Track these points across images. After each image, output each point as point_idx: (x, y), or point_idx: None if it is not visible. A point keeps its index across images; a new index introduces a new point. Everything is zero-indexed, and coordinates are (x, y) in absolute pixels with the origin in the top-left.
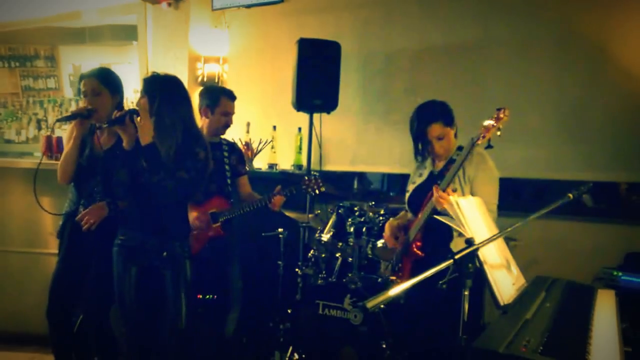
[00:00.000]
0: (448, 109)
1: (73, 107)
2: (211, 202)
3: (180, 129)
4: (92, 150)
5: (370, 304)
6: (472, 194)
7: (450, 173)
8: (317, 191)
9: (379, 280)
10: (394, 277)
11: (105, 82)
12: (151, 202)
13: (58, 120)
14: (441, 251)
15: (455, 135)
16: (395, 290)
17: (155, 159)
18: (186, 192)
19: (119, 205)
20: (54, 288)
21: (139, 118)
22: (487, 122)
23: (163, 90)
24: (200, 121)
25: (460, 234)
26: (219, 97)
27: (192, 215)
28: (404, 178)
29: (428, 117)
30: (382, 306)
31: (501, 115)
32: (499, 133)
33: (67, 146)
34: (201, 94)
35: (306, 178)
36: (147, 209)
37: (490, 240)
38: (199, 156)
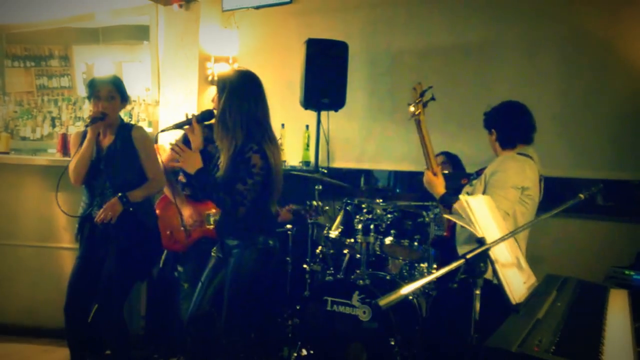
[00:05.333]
0: (491, 114)
1: (86, 105)
2: (209, 204)
3: (244, 129)
4: (98, 150)
5: (382, 302)
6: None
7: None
8: (312, 219)
9: (387, 277)
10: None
11: (118, 89)
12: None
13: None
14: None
15: (502, 144)
16: (407, 289)
17: (204, 182)
18: (251, 201)
19: (129, 197)
20: (72, 283)
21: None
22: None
23: (233, 84)
24: None
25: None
26: None
27: (187, 211)
28: (410, 175)
29: None
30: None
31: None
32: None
33: (81, 149)
34: None
35: (307, 208)
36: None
37: (501, 239)
38: (252, 161)
